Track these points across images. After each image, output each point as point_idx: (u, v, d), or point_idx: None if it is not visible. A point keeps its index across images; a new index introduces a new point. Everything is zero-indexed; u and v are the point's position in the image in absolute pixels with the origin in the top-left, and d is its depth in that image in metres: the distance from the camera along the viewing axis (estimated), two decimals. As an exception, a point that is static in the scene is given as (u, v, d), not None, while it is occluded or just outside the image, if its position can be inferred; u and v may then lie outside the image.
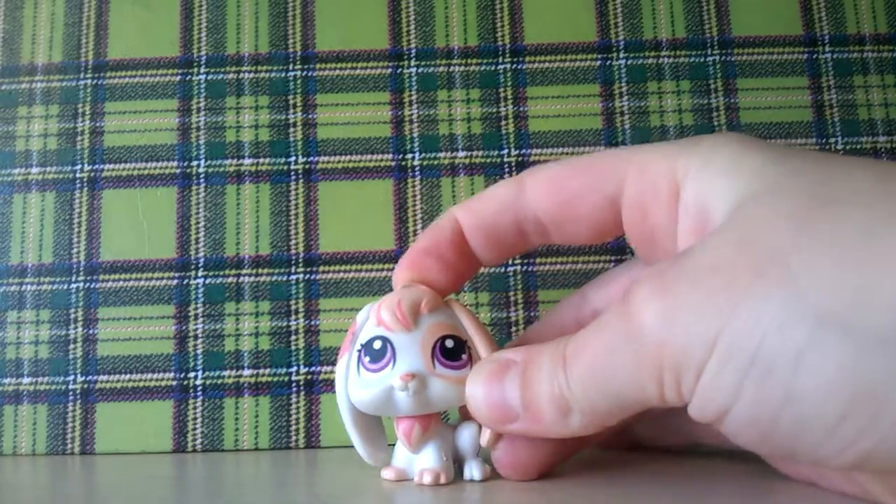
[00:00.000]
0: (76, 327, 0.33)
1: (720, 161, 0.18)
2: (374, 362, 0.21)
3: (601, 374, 0.18)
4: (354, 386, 0.21)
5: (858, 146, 0.35)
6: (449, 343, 0.21)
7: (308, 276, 0.33)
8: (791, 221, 0.16)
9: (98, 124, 0.35)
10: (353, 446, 0.23)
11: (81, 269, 0.33)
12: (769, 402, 0.15)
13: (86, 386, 0.32)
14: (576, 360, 0.18)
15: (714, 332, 0.15)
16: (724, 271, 0.16)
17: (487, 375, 0.20)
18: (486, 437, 0.21)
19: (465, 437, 0.22)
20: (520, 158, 0.34)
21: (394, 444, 0.23)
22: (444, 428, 0.22)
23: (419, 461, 0.22)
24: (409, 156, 0.34)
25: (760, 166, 0.17)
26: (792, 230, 0.15)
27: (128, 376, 0.32)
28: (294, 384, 0.32)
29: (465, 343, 0.22)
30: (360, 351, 0.21)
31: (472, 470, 0.22)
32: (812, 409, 0.15)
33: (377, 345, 0.21)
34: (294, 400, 0.32)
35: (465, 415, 0.23)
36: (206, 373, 0.32)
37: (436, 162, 0.34)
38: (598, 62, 0.35)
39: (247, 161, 0.34)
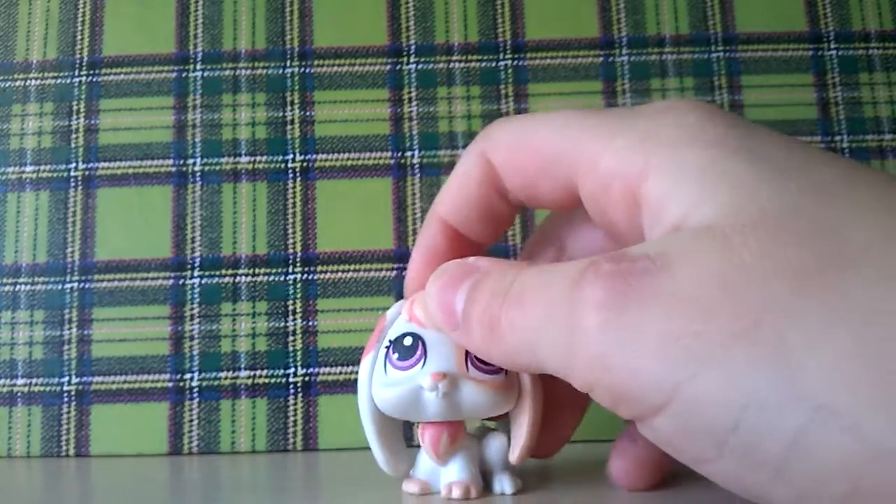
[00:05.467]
0: (71, 328, 0.32)
1: (690, 167, 0.16)
2: (403, 359, 0.20)
3: (531, 333, 0.16)
4: (379, 385, 0.20)
5: (864, 144, 0.34)
6: None
7: (306, 275, 0.33)
8: (787, 273, 0.13)
9: (93, 122, 0.34)
10: (369, 449, 0.21)
11: (76, 268, 0.33)
12: (757, 473, 0.14)
13: (80, 387, 0.32)
14: (516, 303, 0.17)
15: (676, 379, 0.14)
16: (702, 309, 0.14)
17: (450, 276, 0.19)
18: (515, 454, 0.20)
19: (494, 448, 0.21)
20: (521, 156, 0.34)
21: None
22: (470, 438, 0.21)
23: (446, 473, 0.20)
24: (409, 154, 0.34)
25: (745, 179, 0.15)
26: (787, 286, 0.13)
27: (123, 378, 0.32)
28: (291, 386, 0.32)
29: None
30: (388, 347, 0.20)
31: (503, 483, 0.21)
32: (810, 487, 0.13)
33: (407, 341, 0.20)
34: (291, 402, 0.32)
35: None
36: (202, 374, 0.32)
37: (436, 160, 0.34)
38: (601, 58, 0.35)
39: (243, 159, 0.34)
